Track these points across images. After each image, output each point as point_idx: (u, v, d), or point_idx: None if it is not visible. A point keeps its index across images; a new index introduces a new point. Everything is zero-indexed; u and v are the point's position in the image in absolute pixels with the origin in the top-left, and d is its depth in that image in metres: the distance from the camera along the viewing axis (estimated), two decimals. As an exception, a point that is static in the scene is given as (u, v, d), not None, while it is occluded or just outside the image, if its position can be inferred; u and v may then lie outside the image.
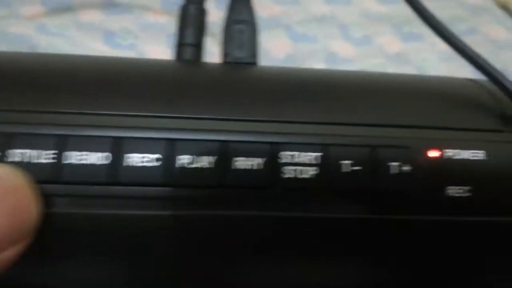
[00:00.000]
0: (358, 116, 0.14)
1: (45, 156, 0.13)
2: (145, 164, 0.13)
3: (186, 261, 0.14)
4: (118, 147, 0.13)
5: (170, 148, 0.13)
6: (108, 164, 0.13)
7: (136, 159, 0.13)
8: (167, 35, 0.30)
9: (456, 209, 0.14)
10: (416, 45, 0.33)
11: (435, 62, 0.32)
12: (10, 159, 0.13)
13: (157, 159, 0.13)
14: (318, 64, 0.29)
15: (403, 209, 0.14)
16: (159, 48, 0.29)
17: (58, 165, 0.12)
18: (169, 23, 0.30)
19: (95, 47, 0.28)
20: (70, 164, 0.13)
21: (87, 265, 0.14)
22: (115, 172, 0.13)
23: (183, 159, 0.13)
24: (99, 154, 0.13)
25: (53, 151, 0.13)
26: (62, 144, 0.13)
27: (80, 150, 0.13)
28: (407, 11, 0.34)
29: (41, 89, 0.14)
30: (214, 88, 0.15)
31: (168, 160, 0.13)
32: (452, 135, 0.14)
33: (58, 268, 0.14)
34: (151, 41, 0.29)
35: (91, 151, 0.13)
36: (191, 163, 0.13)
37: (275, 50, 0.29)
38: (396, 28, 0.34)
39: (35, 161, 0.13)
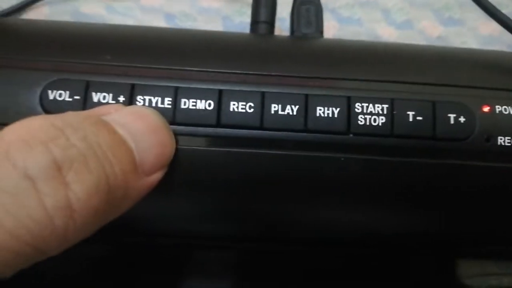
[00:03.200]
0: (420, 76, 0.17)
1: (166, 102, 0.16)
2: (241, 110, 0.16)
3: (270, 196, 0.17)
4: (220, 97, 0.16)
5: (262, 99, 0.16)
6: (212, 110, 0.16)
7: (234, 106, 0.16)
8: (221, 17, 0.32)
9: (505, 156, 0.16)
10: (456, 29, 0.34)
11: (475, 45, 0.33)
12: (138, 103, 0.16)
13: (251, 107, 0.16)
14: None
15: (458, 155, 0.16)
16: (216, 29, 0.31)
17: (174, 110, 0.16)
18: (222, 7, 0.33)
19: (159, 25, 0.31)
20: (183, 109, 0.16)
21: (194, 198, 0.17)
22: (218, 116, 0.16)
23: (274, 108, 0.16)
24: (206, 102, 0.16)
25: (171, 99, 0.16)
26: (178, 93, 0.16)
27: (191, 99, 0.16)
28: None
29: (157, 50, 0.17)
30: (293, 53, 0.18)
31: (261, 108, 0.16)
32: (501, 94, 0.16)
33: (172, 200, 0.17)
34: (208, 23, 0.32)
35: (199, 99, 0.16)
36: (280, 110, 0.16)
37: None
38: (436, 13, 0.35)
39: (158, 106, 0.16)
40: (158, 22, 0.31)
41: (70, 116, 0.14)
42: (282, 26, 0.30)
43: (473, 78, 0.17)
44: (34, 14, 0.29)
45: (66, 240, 0.13)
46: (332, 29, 0.32)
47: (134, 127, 0.15)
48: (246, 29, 0.32)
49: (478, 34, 0.34)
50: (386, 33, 0.33)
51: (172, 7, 0.32)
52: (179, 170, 0.16)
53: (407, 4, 0.35)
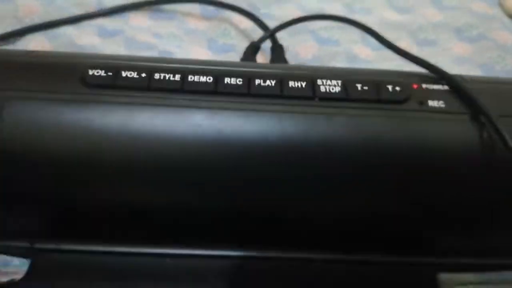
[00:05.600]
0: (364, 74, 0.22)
1: None
2: (234, 83, 0.21)
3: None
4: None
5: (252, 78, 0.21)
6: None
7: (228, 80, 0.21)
8: (207, 39, 0.34)
9: (437, 113, 0.20)
10: (430, 49, 0.36)
11: (448, 64, 0.35)
12: None
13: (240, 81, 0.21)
14: (341, 64, 0.33)
15: (402, 113, 0.20)
16: (201, 49, 0.33)
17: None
18: (207, 29, 0.34)
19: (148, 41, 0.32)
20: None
21: None
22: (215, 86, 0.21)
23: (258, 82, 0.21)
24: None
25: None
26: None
27: None
28: (422, 20, 0.37)
29: None
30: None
31: (248, 82, 0.20)
32: (418, 79, 0.22)
33: None
34: (194, 44, 0.33)
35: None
36: (262, 83, 0.20)
37: (303, 52, 0.33)
38: (412, 35, 0.37)
39: None
40: (147, 39, 0.32)
41: None
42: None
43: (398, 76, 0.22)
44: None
45: None
46: (312, 49, 0.34)
47: None
48: (230, 50, 0.33)
49: (451, 54, 0.36)
50: (363, 53, 0.34)
51: (160, 29, 0.34)
52: None
53: (383, 26, 0.36)
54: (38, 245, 0.21)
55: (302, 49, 0.33)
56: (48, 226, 0.21)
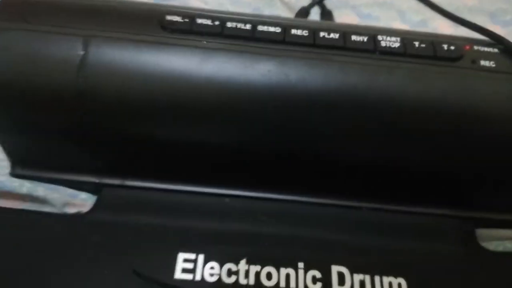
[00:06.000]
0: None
1: None
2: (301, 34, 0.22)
3: None
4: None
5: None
6: None
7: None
8: (252, 8, 0.35)
9: (486, 71, 0.22)
10: (465, 30, 0.37)
11: (483, 45, 0.36)
12: None
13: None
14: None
15: (452, 64, 0.22)
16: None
17: None
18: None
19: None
20: None
21: None
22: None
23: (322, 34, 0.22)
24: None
25: None
26: None
27: None
28: (458, 3, 0.38)
29: None
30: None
31: (313, 34, 0.22)
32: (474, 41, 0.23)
33: None
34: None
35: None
36: (327, 36, 0.22)
37: (346, 25, 0.34)
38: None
39: None
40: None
41: None
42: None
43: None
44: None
45: None
46: (353, 23, 0.35)
47: None
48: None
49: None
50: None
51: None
52: None
53: (422, 6, 0.37)
54: (105, 181, 0.22)
55: (343, 22, 0.35)
56: (116, 163, 0.22)
